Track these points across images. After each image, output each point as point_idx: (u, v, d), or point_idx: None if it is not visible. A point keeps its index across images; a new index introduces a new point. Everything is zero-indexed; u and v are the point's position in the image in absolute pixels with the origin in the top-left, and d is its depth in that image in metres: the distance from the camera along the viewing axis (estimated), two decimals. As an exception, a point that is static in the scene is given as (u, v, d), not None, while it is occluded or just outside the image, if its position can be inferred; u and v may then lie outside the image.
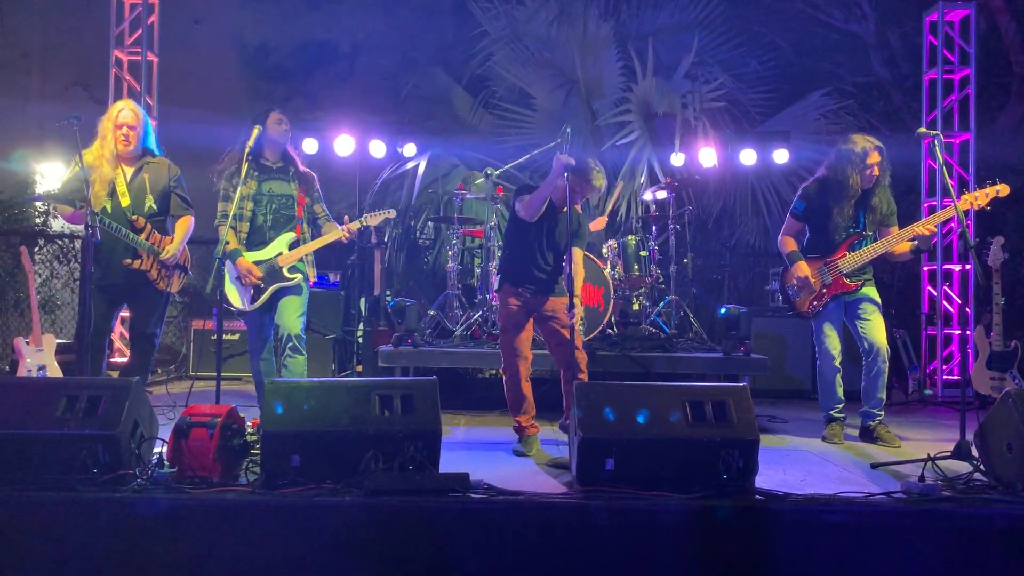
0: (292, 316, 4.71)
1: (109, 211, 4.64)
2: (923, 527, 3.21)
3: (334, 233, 4.79)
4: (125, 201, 4.68)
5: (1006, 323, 6.05)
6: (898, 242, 4.86)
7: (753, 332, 6.83)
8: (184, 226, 4.91)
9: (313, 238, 4.88)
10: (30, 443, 3.35)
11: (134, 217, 4.69)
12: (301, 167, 4.91)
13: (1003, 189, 4.74)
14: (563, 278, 4.67)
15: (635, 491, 3.34)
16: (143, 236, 4.70)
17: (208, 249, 8.36)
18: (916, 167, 7.60)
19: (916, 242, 4.83)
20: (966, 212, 4.66)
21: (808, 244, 5.11)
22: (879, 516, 3.25)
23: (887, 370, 4.92)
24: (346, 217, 4.90)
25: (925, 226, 4.77)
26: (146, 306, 4.82)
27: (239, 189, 4.53)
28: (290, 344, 4.69)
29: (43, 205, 8.92)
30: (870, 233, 4.95)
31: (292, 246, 4.75)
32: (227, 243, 4.50)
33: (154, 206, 4.80)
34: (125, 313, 5.58)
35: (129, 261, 4.65)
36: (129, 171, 4.74)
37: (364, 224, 4.89)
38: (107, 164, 4.65)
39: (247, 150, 4.50)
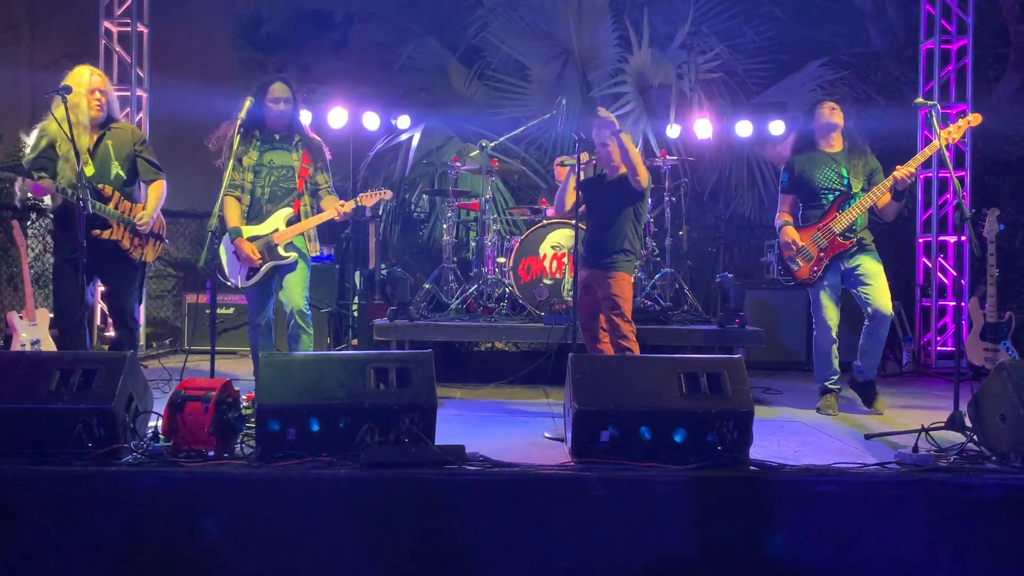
0: (295, 292, 4.64)
1: (75, 181, 4.43)
2: (917, 497, 3.23)
3: (328, 212, 4.71)
4: (89, 170, 4.47)
5: (1000, 294, 6.06)
6: (882, 193, 4.90)
7: (748, 304, 6.84)
8: (157, 191, 4.76)
9: (314, 208, 4.79)
10: (24, 417, 3.34)
11: (100, 186, 4.54)
12: (309, 133, 4.81)
13: (975, 119, 4.84)
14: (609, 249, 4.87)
15: (630, 463, 3.35)
16: (111, 205, 4.55)
17: (202, 222, 8.33)
18: (912, 138, 7.57)
19: (895, 186, 4.83)
20: (961, 182, 4.70)
21: (803, 215, 5.16)
22: (873, 486, 3.27)
23: (886, 336, 4.99)
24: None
25: (904, 169, 4.78)
26: (121, 278, 4.68)
27: (231, 161, 4.46)
28: (294, 321, 4.62)
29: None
30: (857, 192, 4.99)
31: (289, 222, 4.67)
32: (221, 216, 4.45)
33: (121, 173, 4.65)
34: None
35: (98, 232, 4.47)
36: (92, 138, 4.56)
37: (359, 204, 4.80)
38: (83, 133, 4.47)
39: (238, 123, 4.43)
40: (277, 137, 4.71)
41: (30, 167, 4.47)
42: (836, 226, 4.96)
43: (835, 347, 5.06)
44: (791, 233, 5.07)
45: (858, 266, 4.98)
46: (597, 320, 4.94)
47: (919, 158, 4.97)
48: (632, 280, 4.95)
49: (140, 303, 4.96)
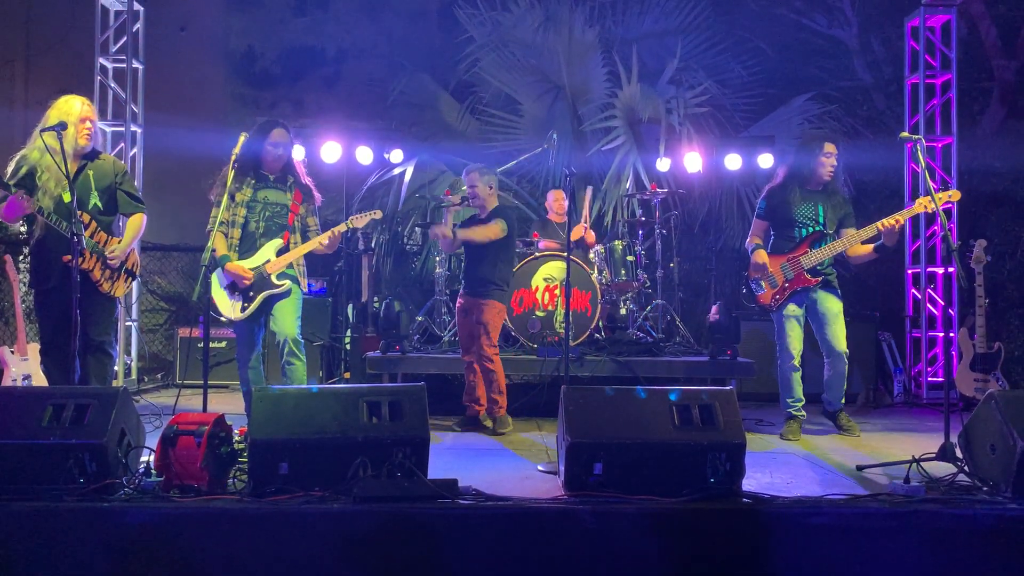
0: (288, 320, 4.66)
1: (53, 209, 4.42)
2: (908, 528, 3.24)
3: (320, 237, 4.74)
4: (68, 197, 4.31)
5: (989, 325, 6.10)
6: (857, 240, 5.09)
7: (740, 335, 6.87)
8: (135, 224, 4.72)
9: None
10: (15, 452, 3.33)
11: (78, 213, 4.37)
12: (303, 179, 4.86)
13: (954, 195, 5.04)
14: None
15: (623, 495, 3.35)
16: (87, 233, 4.48)
17: (195, 256, 8.34)
18: (899, 171, 7.67)
19: (881, 239, 5.01)
20: (948, 215, 4.85)
21: (774, 244, 5.33)
22: (865, 518, 3.28)
23: (846, 371, 5.18)
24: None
25: (886, 222, 4.94)
26: (91, 311, 4.51)
27: (224, 199, 4.49)
28: (287, 349, 4.62)
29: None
30: (830, 232, 5.18)
31: (280, 252, 4.70)
32: (214, 250, 4.47)
33: (99, 204, 4.61)
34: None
35: (69, 258, 4.19)
36: (72, 168, 4.45)
37: (351, 227, 4.82)
38: (70, 160, 4.36)
39: (233, 158, 4.46)
40: (272, 178, 4.76)
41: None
42: (806, 261, 5.14)
43: (798, 375, 5.23)
44: (763, 257, 5.23)
45: (820, 303, 5.17)
46: (477, 342, 5.36)
47: (906, 213, 5.12)
48: (502, 308, 5.41)
49: (117, 340, 4.86)
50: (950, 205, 7.26)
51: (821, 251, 5.10)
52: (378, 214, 5.04)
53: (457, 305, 5.55)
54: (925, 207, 4.94)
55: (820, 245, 5.12)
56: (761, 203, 5.39)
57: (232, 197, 4.65)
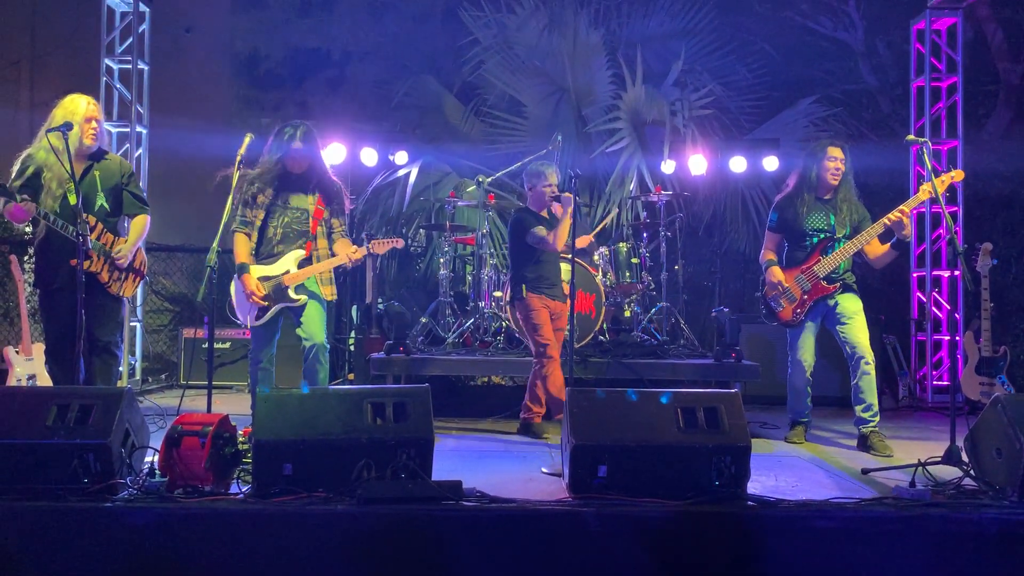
0: (316, 327, 4.62)
1: (57, 210, 4.40)
2: (914, 532, 3.23)
3: (339, 258, 4.69)
4: (73, 199, 4.32)
5: (994, 329, 6.09)
6: (870, 238, 4.93)
7: (744, 338, 6.85)
8: (139, 225, 4.71)
9: (328, 252, 4.74)
10: (20, 452, 3.33)
11: (84, 215, 4.36)
12: (329, 177, 4.79)
13: (958, 175, 4.90)
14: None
15: (627, 498, 3.34)
16: (94, 236, 4.46)
17: (199, 257, 8.35)
18: (905, 174, 7.65)
19: (894, 235, 4.85)
20: (953, 218, 4.77)
21: (787, 256, 5.20)
22: (870, 522, 3.27)
23: (874, 372, 4.96)
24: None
25: (892, 215, 4.80)
26: (98, 312, 4.52)
27: (229, 196, 4.46)
28: (313, 355, 4.58)
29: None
30: (841, 236, 5.03)
31: (300, 264, 4.64)
32: (219, 251, 4.44)
33: (106, 205, 4.60)
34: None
35: (76, 262, 4.16)
36: (78, 168, 4.42)
37: (371, 252, 4.78)
38: (75, 161, 4.33)
39: (238, 160, 4.44)
40: (295, 180, 4.69)
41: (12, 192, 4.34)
42: (820, 270, 5.00)
43: (808, 387, 5.14)
44: (778, 274, 5.10)
45: (837, 304, 5.02)
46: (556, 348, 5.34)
47: (912, 202, 4.98)
48: None
49: (123, 341, 4.84)
50: (956, 209, 7.26)
51: (834, 256, 4.96)
52: (399, 242, 4.96)
53: (542, 309, 5.30)
54: (929, 192, 4.80)
55: (831, 251, 4.98)
56: (772, 215, 5.24)
57: (254, 199, 4.63)
